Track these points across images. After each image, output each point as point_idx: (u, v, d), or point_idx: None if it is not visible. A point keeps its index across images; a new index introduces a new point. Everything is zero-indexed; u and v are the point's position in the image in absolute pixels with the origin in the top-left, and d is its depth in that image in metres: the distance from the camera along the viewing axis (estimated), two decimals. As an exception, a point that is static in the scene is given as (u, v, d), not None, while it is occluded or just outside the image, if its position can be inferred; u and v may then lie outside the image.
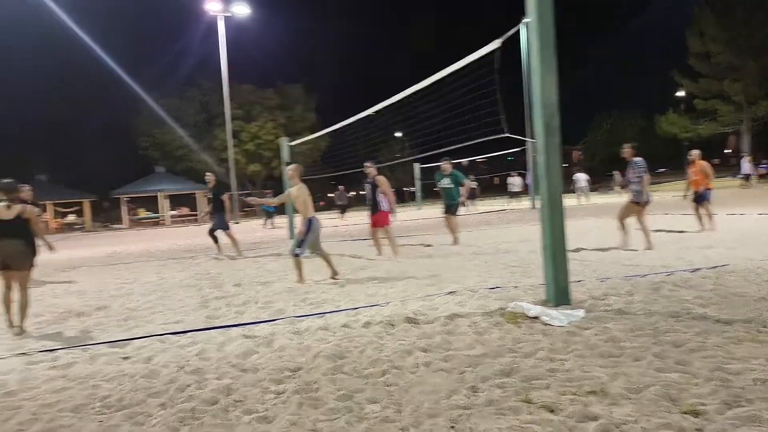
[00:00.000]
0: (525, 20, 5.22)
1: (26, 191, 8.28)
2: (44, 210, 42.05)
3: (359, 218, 25.85)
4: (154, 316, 6.15)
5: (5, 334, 5.73)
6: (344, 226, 21.98)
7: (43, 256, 6.69)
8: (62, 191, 45.91)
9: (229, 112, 35.79)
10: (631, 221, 8.99)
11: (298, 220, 7.84)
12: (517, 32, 5.90)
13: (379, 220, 10.21)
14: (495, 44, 5.74)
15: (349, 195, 30.26)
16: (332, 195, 29.23)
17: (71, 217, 43.98)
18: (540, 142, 5.09)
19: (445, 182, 11.45)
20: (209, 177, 12.78)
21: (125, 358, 4.46)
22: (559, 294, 5.08)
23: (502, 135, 5.74)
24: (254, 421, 3.02)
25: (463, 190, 11.69)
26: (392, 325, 4.88)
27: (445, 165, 11.49)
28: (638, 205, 8.74)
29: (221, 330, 5.16)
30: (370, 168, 10.14)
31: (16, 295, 5.84)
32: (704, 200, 10.75)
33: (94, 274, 10.48)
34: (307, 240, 7.61)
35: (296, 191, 7.65)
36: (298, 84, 49.64)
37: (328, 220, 27.16)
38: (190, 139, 45.21)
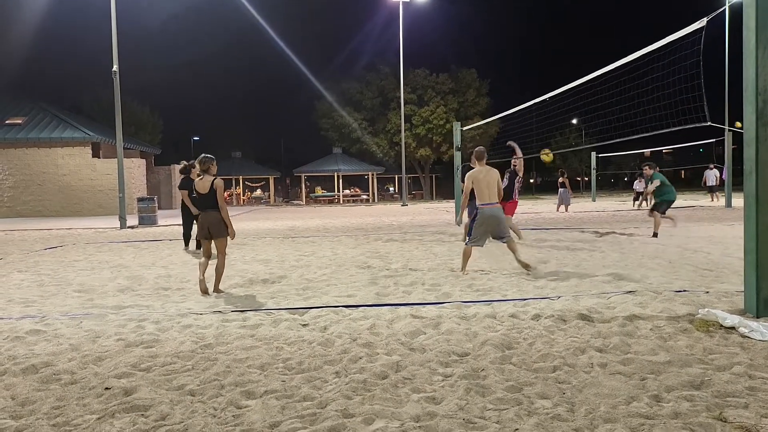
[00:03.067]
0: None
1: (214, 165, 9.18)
2: (237, 184, 46.73)
3: (531, 206, 25.17)
4: (329, 288, 6.53)
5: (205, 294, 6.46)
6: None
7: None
8: (252, 167, 50.68)
9: (403, 95, 36.67)
10: None
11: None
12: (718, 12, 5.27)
13: (511, 208, 10.30)
14: (700, 23, 5.17)
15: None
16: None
17: (258, 192, 48.40)
18: (749, 133, 4.51)
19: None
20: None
21: (304, 325, 4.79)
22: (763, 304, 4.49)
23: (703, 124, 5.17)
24: (422, 400, 3.07)
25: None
26: (563, 320, 4.68)
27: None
28: None
29: (390, 308, 5.32)
30: (516, 160, 10.28)
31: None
32: None
33: (277, 246, 11.40)
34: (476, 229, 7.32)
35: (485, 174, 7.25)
36: (472, 68, 49.29)
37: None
38: (364, 122, 47.12)
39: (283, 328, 4.73)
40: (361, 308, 5.34)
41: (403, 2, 33.52)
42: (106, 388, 3.36)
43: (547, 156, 11.14)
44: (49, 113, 28.30)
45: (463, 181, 7.90)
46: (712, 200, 24.87)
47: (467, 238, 7.57)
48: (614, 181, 70.94)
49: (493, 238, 7.47)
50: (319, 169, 46.92)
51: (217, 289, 6.46)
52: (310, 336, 4.43)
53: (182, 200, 10.50)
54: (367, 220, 19.68)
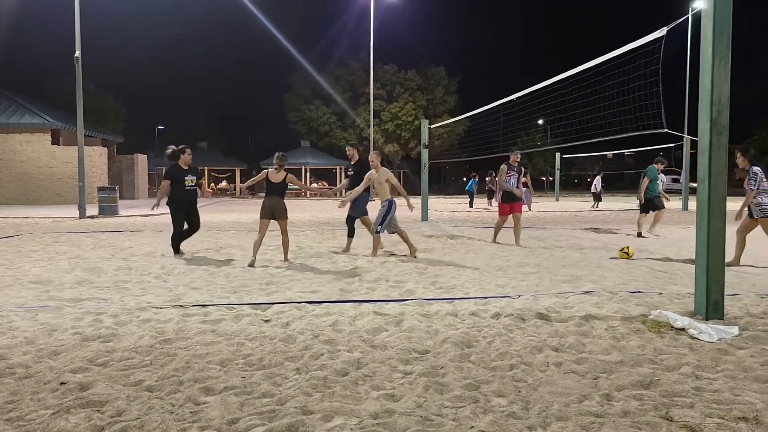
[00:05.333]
0: (695, 6, 4.78)
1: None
2: (202, 175, 46.06)
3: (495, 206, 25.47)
4: (293, 284, 6.52)
5: (165, 286, 6.39)
6: (488, 212, 21.80)
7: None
8: (219, 158, 50.01)
9: (372, 91, 36.66)
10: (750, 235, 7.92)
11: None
12: (682, 21, 5.42)
13: (519, 208, 10.32)
14: (660, 33, 5.31)
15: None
16: (466, 179, 29.04)
17: (224, 183, 47.76)
18: (703, 141, 4.67)
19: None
20: (350, 150, 10.08)
21: (266, 321, 4.78)
22: (711, 307, 4.67)
23: (660, 131, 5.33)
24: (382, 397, 3.11)
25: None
26: (523, 319, 4.78)
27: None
28: (753, 219, 7.67)
29: (354, 304, 5.35)
30: (518, 155, 10.10)
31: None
32: None
33: (241, 239, 11.30)
34: (386, 219, 8.46)
35: (379, 175, 8.56)
36: (441, 66, 49.59)
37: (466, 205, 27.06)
38: (333, 117, 47.02)
39: (244, 323, 4.72)
40: (324, 304, 5.36)
41: (374, -2, 33.44)
42: (62, 383, 3.30)
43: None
44: (7, 98, 27.44)
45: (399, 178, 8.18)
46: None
47: (378, 227, 8.54)
48: (578, 181, 72.36)
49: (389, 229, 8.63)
50: (291, 162, 46.59)
51: (287, 259, 8.15)
52: (272, 332, 4.43)
53: (171, 195, 8.61)
54: (334, 215, 19.65)
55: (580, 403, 3.03)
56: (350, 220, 9.43)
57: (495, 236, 10.69)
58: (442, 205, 27.76)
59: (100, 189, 19.12)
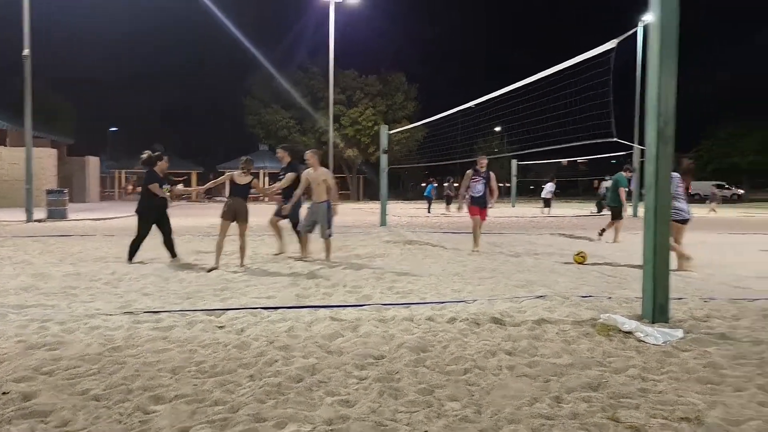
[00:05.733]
0: (644, 20, 4.95)
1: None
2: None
3: (454, 211, 25.70)
4: (249, 289, 6.45)
5: (115, 292, 6.22)
6: (446, 217, 21.98)
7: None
8: (175, 162, 48.96)
9: (332, 96, 36.59)
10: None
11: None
12: (633, 33, 5.61)
13: (485, 213, 10.30)
14: (610, 44, 5.48)
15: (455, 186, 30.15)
16: (425, 185, 29.24)
17: (180, 187, 46.70)
18: (651, 151, 4.84)
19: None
20: (280, 152, 9.58)
21: (220, 327, 4.71)
22: (657, 311, 4.82)
23: (610, 140, 5.51)
24: (336, 403, 3.10)
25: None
26: (477, 323, 4.84)
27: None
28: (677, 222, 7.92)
29: (310, 310, 5.32)
30: (484, 161, 10.13)
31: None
32: None
33: (196, 244, 11.11)
34: (332, 221, 8.53)
35: (317, 175, 8.54)
36: (401, 72, 49.89)
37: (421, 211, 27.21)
38: (292, 121, 46.76)
39: (197, 330, 4.63)
40: (280, 310, 5.31)
41: (335, 2, 33.42)
42: (4, 393, 3.18)
43: None
44: (-51, 96, 26.32)
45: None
46: (600, 211, 25.89)
47: (328, 231, 8.61)
48: (534, 188, 73.74)
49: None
50: (253, 166, 46.02)
51: (243, 264, 8.06)
52: (226, 338, 4.37)
53: (142, 202, 8.49)
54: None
55: (531, 406, 3.08)
56: (295, 226, 9.22)
57: (475, 241, 10.19)
58: (401, 211, 27.91)
59: (49, 192, 18.53)
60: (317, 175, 8.56)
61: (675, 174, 7.87)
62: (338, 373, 3.58)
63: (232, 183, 8.16)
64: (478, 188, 10.04)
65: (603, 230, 12.63)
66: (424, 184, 28.44)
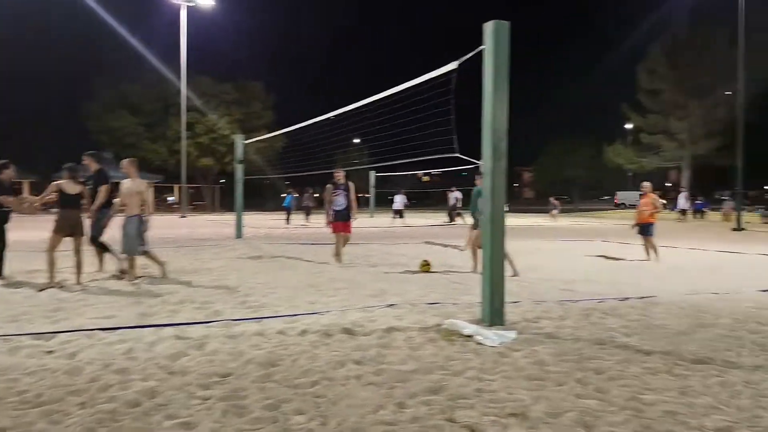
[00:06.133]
0: (482, 47, 5.34)
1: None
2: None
3: (316, 221, 25.70)
4: (86, 309, 5.97)
5: None
6: (304, 229, 21.84)
7: None
8: (1, 169, 43.91)
9: (185, 102, 35.08)
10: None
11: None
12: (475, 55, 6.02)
13: (349, 227, 10.18)
14: (452, 66, 5.84)
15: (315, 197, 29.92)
16: (284, 196, 28.92)
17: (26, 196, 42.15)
18: (487, 165, 5.21)
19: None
20: (86, 159, 8.93)
21: (49, 352, 4.31)
22: (494, 314, 5.19)
23: (453, 155, 5.88)
24: (175, 426, 2.98)
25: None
26: (329, 335, 4.89)
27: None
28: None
29: (153, 329, 5.05)
30: (341, 174, 10.13)
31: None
32: (648, 232, 10.98)
33: (24, 260, 10.07)
34: (143, 235, 7.88)
35: (133, 185, 7.93)
36: (258, 81, 49.14)
37: (272, 221, 26.87)
38: (141, 127, 44.14)
39: (22, 356, 4.21)
40: (119, 331, 4.98)
41: (187, 5, 32.19)
42: None
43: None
44: None
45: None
46: (453, 220, 27.48)
47: (140, 247, 7.88)
48: (391, 198, 76.06)
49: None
50: (85, 175, 42.48)
51: (80, 282, 7.40)
52: (55, 364, 4.01)
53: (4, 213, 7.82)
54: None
55: (376, 413, 3.18)
56: (95, 240, 8.50)
57: (338, 256, 10.10)
58: (259, 222, 27.38)
59: None
60: (133, 186, 7.93)
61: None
62: (180, 395, 3.44)
63: (62, 193, 7.46)
64: (340, 201, 10.08)
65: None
66: (284, 195, 28.10)
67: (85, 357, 4.19)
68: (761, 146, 40.80)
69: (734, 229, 22.00)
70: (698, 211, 32.87)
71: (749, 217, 28.20)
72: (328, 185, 10.18)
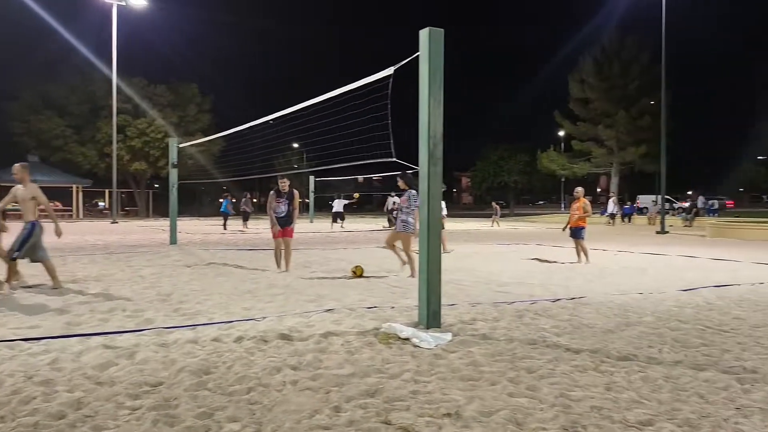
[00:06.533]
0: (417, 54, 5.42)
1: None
2: None
3: (259, 227, 25.28)
4: (7, 319, 5.67)
5: None
6: (243, 234, 21.43)
7: None
8: None
9: (116, 104, 33.86)
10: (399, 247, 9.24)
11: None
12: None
13: (290, 232, 10.02)
14: (388, 71, 5.91)
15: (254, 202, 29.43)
16: (221, 201, 28.27)
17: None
18: (423, 171, 5.29)
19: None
20: None
21: (-36, 366, 4.07)
22: (431, 317, 5.27)
23: (390, 159, 5.94)
24: (103, 438, 2.87)
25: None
26: (265, 341, 4.83)
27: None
28: (408, 234, 8.86)
29: (81, 338, 4.85)
30: (286, 182, 9.96)
31: None
32: (579, 236, 11.41)
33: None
34: (26, 244, 7.45)
35: (25, 192, 7.51)
36: (193, 83, 48.00)
37: (217, 226, 26.33)
38: (69, 130, 42.30)
39: (-65, 371, 3.95)
40: (44, 341, 4.75)
41: (118, 4, 31.13)
42: None
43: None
44: None
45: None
46: (391, 225, 27.63)
47: (15, 252, 7.43)
48: (331, 203, 75.79)
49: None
50: (5, 179, 40.25)
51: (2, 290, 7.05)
52: (-29, 378, 3.79)
53: None
54: (67, 239, 17.59)
55: (311, 418, 3.16)
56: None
57: (284, 261, 9.90)
58: (195, 227, 26.74)
59: None
60: (26, 193, 7.52)
61: (413, 191, 8.75)
62: (108, 405, 3.31)
63: None
64: (281, 209, 9.92)
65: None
66: (221, 200, 27.46)
67: (5, 369, 3.97)
68: (683, 153, 43.25)
69: (658, 232, 23.15)
70: (626, 215, 34.38)
71: (672, 220, 29.74)
72: (271, 192, 10.01)
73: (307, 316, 5.83)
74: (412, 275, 8.69)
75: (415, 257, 8.59)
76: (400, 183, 9.03)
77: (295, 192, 10.09)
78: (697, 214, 30.74)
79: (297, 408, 3.30)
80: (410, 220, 8.83)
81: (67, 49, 40.90)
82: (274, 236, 9.94)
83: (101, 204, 49.36)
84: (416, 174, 5.45)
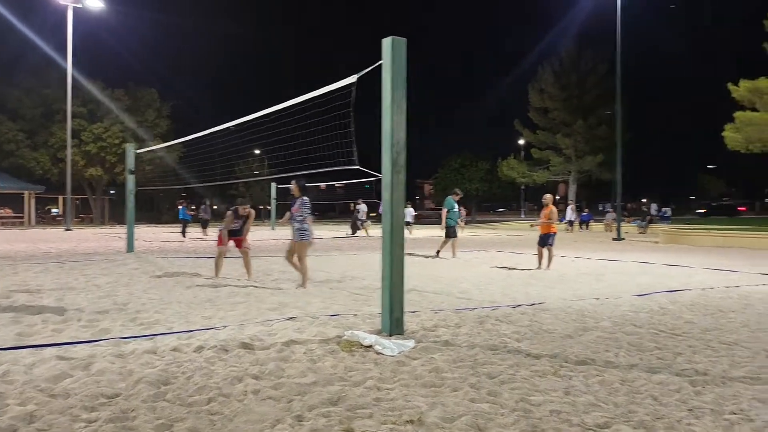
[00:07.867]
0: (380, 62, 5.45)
1: None
2: None
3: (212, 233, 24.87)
4: (-48, 332, 5.44)
5: None
6: (201, 241, 21.07)
7: None
8: None
9: (70, 108, 32.95)
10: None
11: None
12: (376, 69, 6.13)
13: (241, 241, 9.86)
14: (351, 79, 5.93)
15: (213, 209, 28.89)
16: (179, 207, 27.65)
17: None
18: (386, 179, 5.31)
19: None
20: None
21: None
22: (394, 324, 5.28)
23: (353, 167, 5.94)
24: (57, 453, 2.79)
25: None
26: (226, 350, 4.76)
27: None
28: (305, 243, 8.70)
29: (33, 350, 4.69)
30: (247, 208, 9.80)
31: None
32: (548, 242, 11.61)
33: None
34: None
35: None
36: (152, 88, 47.11)
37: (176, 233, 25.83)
38: (21, 134, 40.97)
39: None
40: (-7, 353, 4.58)
41: (74, 6, 30.37)
42: None
43: None
44: None
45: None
46: (366, 232, 27.71)
47: None
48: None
49: None
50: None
51: None
52: None
53: None
54: (18, 247, 17.02)
55: (273, 428, 3.13)
56: None
57: (217, 271, 9.81)
58: (153, 235, 26.20)
59: None
60: None
61: (305, 198, 8.66)
62: (62, 419, 3.22)
63: None
64: (236, 227, 9.78)
65: (438, 251, 14.34)
66: (179, 206, 26.93)
67: (-49, 384, 3.82)
68: (639, 162, 44.53)
69: (615, 239, 23.74)
70: (584, 223, 35.14)
71: (628, 227, 30.54)
72: (229, 213, 9.79)
73: (269, 325, 5.77)
74: (303, 285, 8.57)
75: (308, 268, 8.55)
76: (294, 189, 8.66)
77: (252, 212, 9.93)
78: (651, 222, 31.65)
79: (259, 418, 3.27)
80: (305, 226, 8.55)
81: (20, 51, 39.72)
82: (220, 243, 9.77)
83: (54, 211, 47.84)
84: (380, 181, 5.47)
